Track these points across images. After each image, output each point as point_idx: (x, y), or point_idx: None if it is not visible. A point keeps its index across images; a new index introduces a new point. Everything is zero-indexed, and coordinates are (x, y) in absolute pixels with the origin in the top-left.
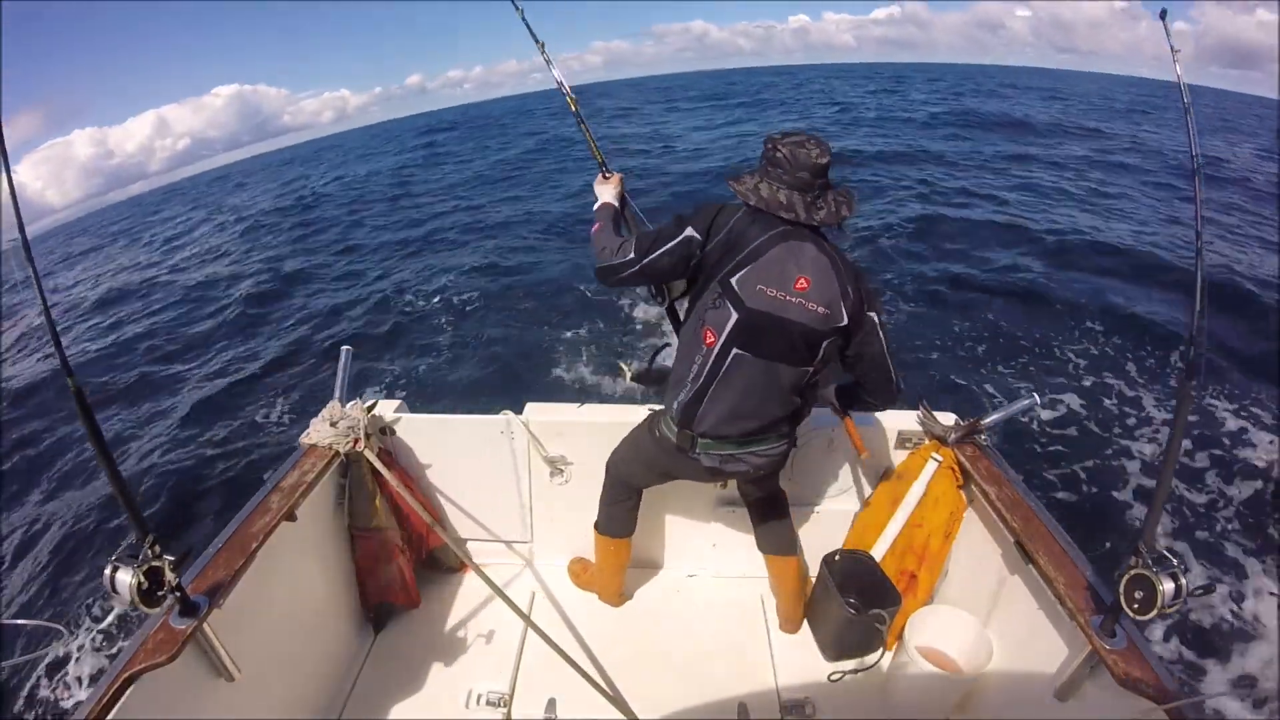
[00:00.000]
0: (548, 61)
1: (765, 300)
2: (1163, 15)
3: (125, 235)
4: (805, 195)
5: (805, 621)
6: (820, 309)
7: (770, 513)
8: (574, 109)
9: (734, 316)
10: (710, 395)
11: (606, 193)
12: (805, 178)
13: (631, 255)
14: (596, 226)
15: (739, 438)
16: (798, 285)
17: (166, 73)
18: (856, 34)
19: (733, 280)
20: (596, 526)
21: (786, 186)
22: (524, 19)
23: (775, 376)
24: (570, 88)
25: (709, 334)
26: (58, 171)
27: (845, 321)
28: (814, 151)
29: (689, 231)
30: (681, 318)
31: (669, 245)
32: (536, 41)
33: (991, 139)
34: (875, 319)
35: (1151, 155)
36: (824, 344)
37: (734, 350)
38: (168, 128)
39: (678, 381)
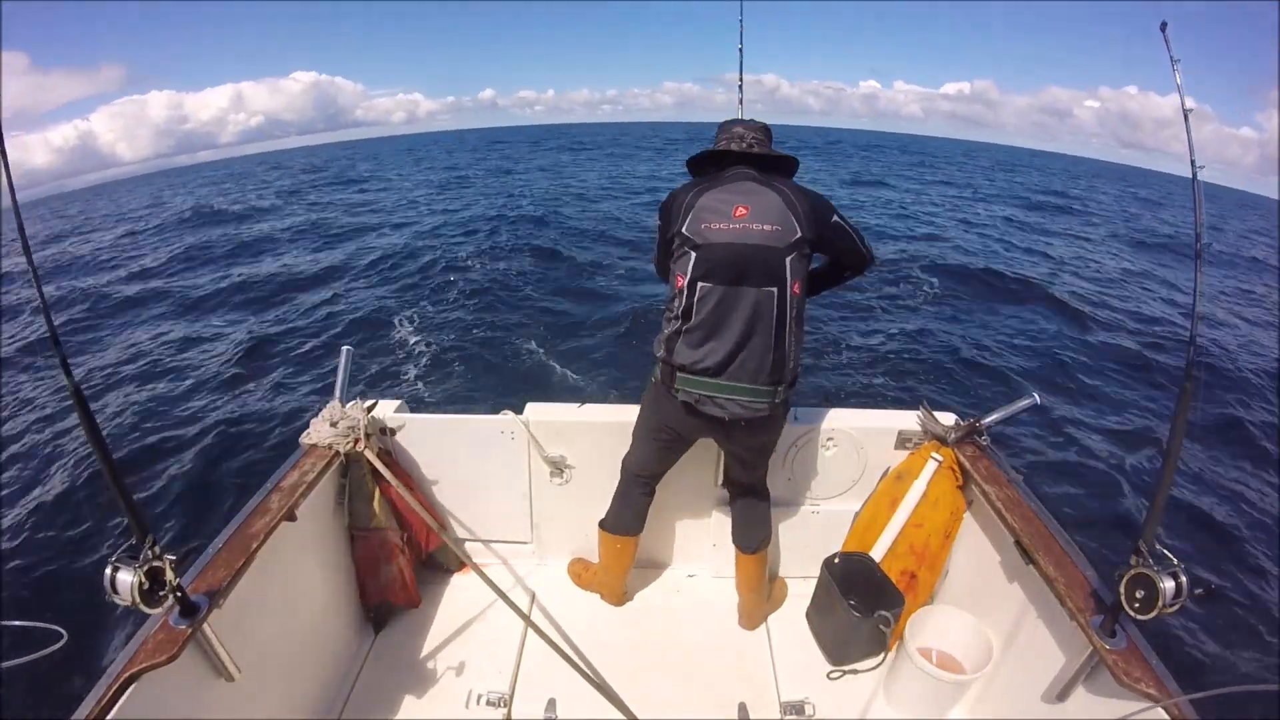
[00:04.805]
0: (740, 81)
1: (714, 233)
2: (1163, 28)
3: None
4: (741, 141)
5: (806, 624)
6: (766, 227)
7: (753, 507)
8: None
9: (693, 255)
10: (686, 329)
11: None
12: (739, 132)
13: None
14: None
15: (715, 372)
16: (736, 214)
17: (250, 49)
18: (924, 106)
19: (684, 230)
20: (602, 525)
21: (725, 140)
22: (740, 21)
23: (743, 302)
24: (634, 124)
25: (679, 278)
26: (131, 128)
27: (802, 233)
28: (746, 123)
29: (659, 222)
30: None
31: (657, 240)
32: (741, 45)
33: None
34: (840, 222)
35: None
36: (787, 260)
37: (699, 284)
38: (243, 103)
39: (664, 328)
